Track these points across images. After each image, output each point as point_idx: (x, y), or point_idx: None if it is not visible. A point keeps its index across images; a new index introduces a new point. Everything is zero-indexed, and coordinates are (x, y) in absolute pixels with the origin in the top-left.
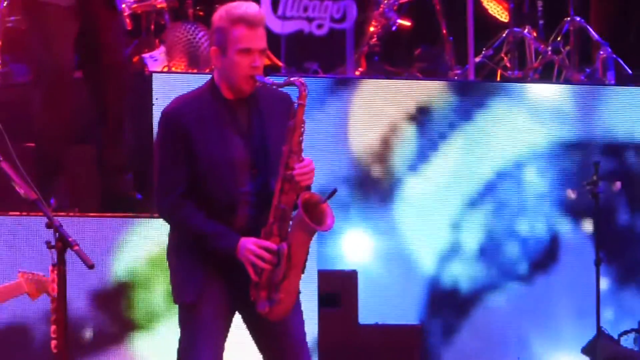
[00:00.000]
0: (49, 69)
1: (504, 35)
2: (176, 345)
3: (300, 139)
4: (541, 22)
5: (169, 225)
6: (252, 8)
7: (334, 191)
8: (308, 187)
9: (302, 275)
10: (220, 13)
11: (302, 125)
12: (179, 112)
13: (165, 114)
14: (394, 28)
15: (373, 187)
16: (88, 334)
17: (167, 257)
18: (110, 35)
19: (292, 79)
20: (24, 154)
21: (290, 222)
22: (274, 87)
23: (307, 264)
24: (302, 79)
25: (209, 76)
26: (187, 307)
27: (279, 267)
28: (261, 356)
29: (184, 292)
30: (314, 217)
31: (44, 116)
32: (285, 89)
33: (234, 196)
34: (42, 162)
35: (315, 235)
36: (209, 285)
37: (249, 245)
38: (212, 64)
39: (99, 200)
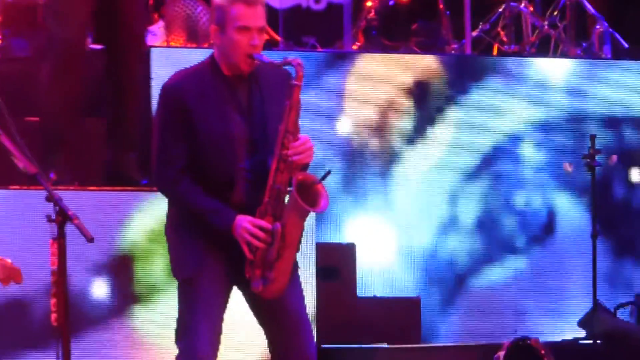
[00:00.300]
0: (60, 40)
1: (500, 9)
2: (175, 318)
3: (297, 118)
4: None
5: (167, 199)
6: None
7: (328, 172)
8: (305, 166)
9: (297, 253)
10: None
11: (299, 105)
12: (179, 87)
13: (165, 88)
14: (391, 2)
15: (370, 160)
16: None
17: (165, 232)
18: (131, 6)
19: (289, 59)
20: (25, 128)
21: (286, 201)
22: (272, 66)
23: (303, 239)
24: (299, 60)
25: (208, 50)
26: (185, 282)
27: (273, 246)
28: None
29: (182, 267)
30: (308, 198)
31: (51, 89)
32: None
33: (232, 172)
34: (46, 136)
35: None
36: (207, 260)
37: (244, 223)
38: (211, 41)
39: (102, 175)
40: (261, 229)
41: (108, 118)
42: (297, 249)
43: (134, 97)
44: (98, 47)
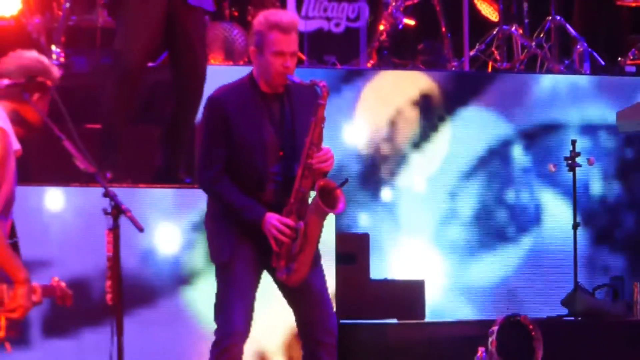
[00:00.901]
0: (122, 57)
1: (494, 32)
2: (213, 298)
3: (321, 132)
4: (526, 20)
5: (207, 196)
6: (287, 16)
7: (346, 180)
8: (325, 173)
9: (316, 248)
10: (259, 19)
11: (323, 121)
12: (222, 99)
13: (210, 99)
14: (400, 26)
15: (382, 162)
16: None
17: (204, 223)
18: (191, 30)
19: (316, 80)
20: (86, 134)
21: (309, 203)
22: (301, 86)
23: (325, 230)
24: (325, 82)
25: (243, 67)
26: (222, 266)
27: (297, 241)
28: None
29: (219, 253)
30: (329, 201)
31: (113, 101)
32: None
33: (263, 174)
34: (105, 141)
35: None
36: (241, 246)
37: (272, 220)
38: (247, 58)
39: (152, 174)
40: (287, 226)
41: (160, 124)
42: (317, 245)
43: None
44: (153, 65)
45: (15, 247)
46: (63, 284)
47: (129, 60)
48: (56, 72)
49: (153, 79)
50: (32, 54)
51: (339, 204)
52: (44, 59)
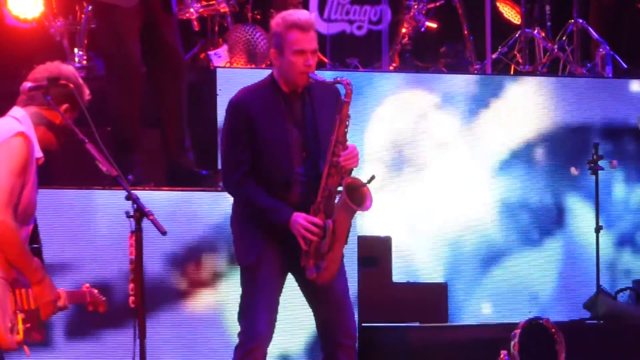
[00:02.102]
0: (118, 64)
1: (516, 35)
2: (237, 301)
3: (346, 130)
4: (549, 24)
5: (231, 198)
6: (304, 15)
7: (373, 177)
8: (351, 171)
9: (344, 246)
10: (277, 20)
11: (348, 119)
12: (244, 102)
13: (232, 102)
14: (422, 29)
15: (405, 163)
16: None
17: (230, 225)
18: (168, 33)
19: (339, 78)
20: (107, 137)
21: (336, 201)
22: (324, 84)
23: (348, 236)
24: (349, 80)
25: (265, 70)
26: (248, 269)
27: (325, 239)
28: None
29: (245, 256)
30: (356, 198)
31: (116, 104)
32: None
33: (289, 175)
34: (117, 143)
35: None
36: (266, 250)
37: (300, 219)
38: (269, 61)
39: (174, 177)
40: (314, 224)
41: (160, 128)
42: (345, 242)
43: (179, 108)
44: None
45: (37, 252)
46: (95, 291)
47: (127, 65)
48: (87, 94)
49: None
50: (68, 67)
51: (367, 201)
52: (77, 74)
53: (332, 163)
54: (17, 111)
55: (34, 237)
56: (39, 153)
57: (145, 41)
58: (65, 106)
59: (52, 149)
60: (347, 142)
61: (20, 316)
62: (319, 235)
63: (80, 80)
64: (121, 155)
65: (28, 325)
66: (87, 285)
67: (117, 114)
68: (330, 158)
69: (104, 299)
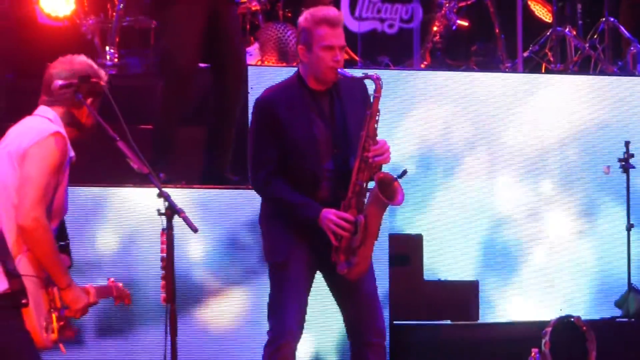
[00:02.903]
0: (172, 62)
1: (548, 33)
2: (266, 298)
3: (376, 125)
4: (580, 22)
5: (261, 196)
6: (332, 11)
7: (405, 172)
8: (381, 167)
9: (375, 241)
10: (305, 16)
11: (378, 114)
12: (270, 100)
13: (258, 102)
14: (454, 27)
15: (436, 162)
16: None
17: (259, 223)
18: (230, 27)
19: (369, 73)
20: (139, 134)
21: (367, 197)
22: (353, 79)
23: (380, 231)
24: (378, 74)
25: (296, 68)
26: (277, 266)
27: (357, 235)
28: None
29: (274, 253)
30: (387, 193)
31: (165, 102)
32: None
33: (318, 172)
34: (158, 142)
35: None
36: (295, 247)
37: (330, 215)
38: (298, 59)
39: (204, 175)
40: (345, 220)
41: (209, 126)
42: (376, 238)
43: (235, 107)
44: (204, 65)
45: (66, 249)
46: (120, 285)
47: (179, 61)
48: (105, 75)
49: (204, 80)
50: (82, 58)
51: (398, 196)
52: (92, 62)
53: (363, 158)
54: (46, 111)
55: (62, 235)
56: (72, 152)
57: (207, 37)
58: (89, 100)
59: (85, 137)
60: (378, 138)
61: (54, 315)
62: (350, 231)
63: (95, 66)
64: (158, 153)
65: (62, 323)
66: (112, 279)
67: (162, 113)
68: (361, 153)
69: (128, 292)
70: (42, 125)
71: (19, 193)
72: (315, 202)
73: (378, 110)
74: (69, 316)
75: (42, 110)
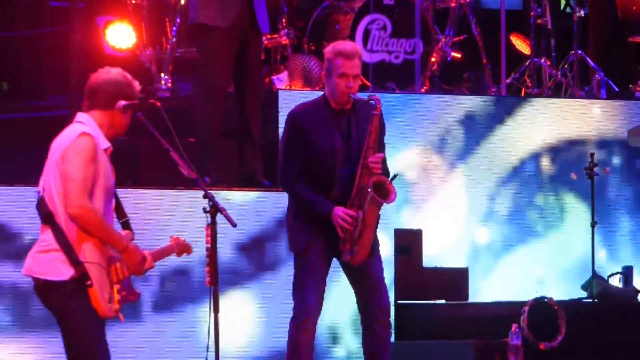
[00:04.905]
0: (206, 82)
1: (527, 63)
2: (291, 282)
3: (376, 138)
4: (553, 54)
5: (287, 195)
6: (350, 45)
7: (395, 175)
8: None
9: (374, 234)
10: (328, 48)
11: (377, 129)
12: (299, 115)
13: (291, 114)
14: (449, 59)
15: (433, 170)
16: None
17: (285, 218)
18: (253, 57)
19: (371, 95)
20: (189, 146)
21: (369, 197)
22: (360, 101)
23: (386, 227)
24: (379, 96)
25: (319, 92)
26: (299, 254)
27: (357, 228)
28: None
29: (297, 243)
30: (382, 193)
31: (200, 118)
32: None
33: (334, 176)
34: (199, 152)
35: (393, 205)
36: (315, 238)
37: (339, 212)
38: (321, 84)
39: (238, 180)
40: (350, 216)
41: (239, 139)
42: (374, 230)
43: (256, 125)
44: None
45: (127, 224)
46: (181, 239)
47: (215, 84)
48: (137, 85)
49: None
50: (118, 70)
51: (391, 195)
52: (126, 73)
53: (364, 165)
54: (81, 116)
55: (121, 213)
56: (105, 144)
57: (235, 64)
58: (122, 104)
59: (121, 135)
60: (384, 151)
61: (115, 288)
62: (353, 225)
63: (129, 76)
64: (201, 161)
65: (123, 293)
66: (174, 236)
67: (200, 127)
68: (362, 161)
69: (189, 244)
70: (72, 129)
71: (63, 189)
72: (329, 201)
73: (377, 126)
74: (134, 273)
75: (78, 116)
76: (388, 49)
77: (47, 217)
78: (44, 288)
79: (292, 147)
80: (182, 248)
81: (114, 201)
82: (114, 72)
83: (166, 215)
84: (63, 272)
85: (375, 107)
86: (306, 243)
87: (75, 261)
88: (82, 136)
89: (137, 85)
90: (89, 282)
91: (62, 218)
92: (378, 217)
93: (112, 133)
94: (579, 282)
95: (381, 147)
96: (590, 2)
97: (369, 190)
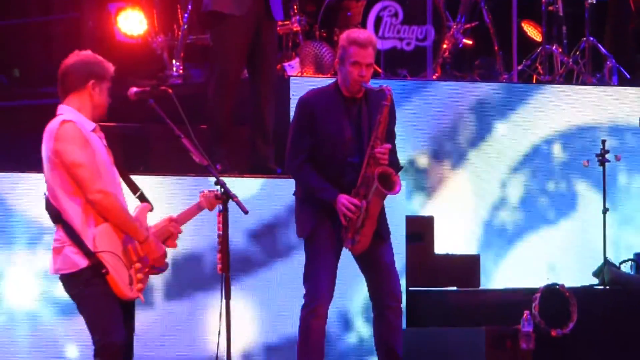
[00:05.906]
0: (219, 70)
1: (538, 50)
2: (302, 268)
3: (385, 128)
4: (565, 41)
5: (294, 181)
6: (364, 34)
7: (401, 167)
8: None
9: (385, 222)
10: (342, 36)
11: (387, 119)
12: (310, 101)
13: (300, 100)
14: (460, 45)
15: (445, 157)
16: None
17: (295, 204)
18: (268, 42)
19: (382, 86)
20: (201, 133)
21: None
22: (371, 90)
23: (397, 213)
24: (389, 87)
25: (330, 79)
26: (308, 240)
27: (360, 217)
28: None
29: (304, 229)
30: (387, 184)
31: (213, 105)
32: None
33: (344, 164)
34: (211, 139)
35: (404, 192)
36: (322, 224)
37: (343, 200)
38: (333, 70)
39: (249, 167)
40: (354, 205)
41: (251, 126)
42: (376, 221)
43: (269, 113)
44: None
45: (143, 197)
46: (205, 191)
47: (228, 72)
48: (110, 66)
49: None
50: (87, 52)
51: (396, 187)
52: (98, 56)
53: (371, 155)
54: (59, 109)
55: (134, 187)
56: (90, 125)
57: (249, 51)
58: (91, 82)
59: (104, 113)
60: (395, 141)
61: (136, 267)
62: (357, 214)
63: (100, 57)
64: (213, 148)
65: (146, 269)
66: (205, 191)
67: (212, 114)
68: (370, 151)
69: (213, 194)
70: (53, 123)
71: (76, 180)
72: (334, 188)
73: (387, 116)
74: (154, 265)
75: (58, 109)
76: (400, 36)
77: (55, 216)
78: (65, 281)
79: (301, 133)
80: (213, 200)
81: (119, 179)
82: (82, 54)
83: (178, 202)
84: (77, 263)
85: (386, 97)
86: (310, 228)
87: (87, 252)
88: (64, 124)
89: (109, 65)
90: (104, 270)
91: (68, 212)
92: (380, 207)
93: (96, 114)
94: (590, 268)
95: (392, 137)
96: None
97: (374, 180)
